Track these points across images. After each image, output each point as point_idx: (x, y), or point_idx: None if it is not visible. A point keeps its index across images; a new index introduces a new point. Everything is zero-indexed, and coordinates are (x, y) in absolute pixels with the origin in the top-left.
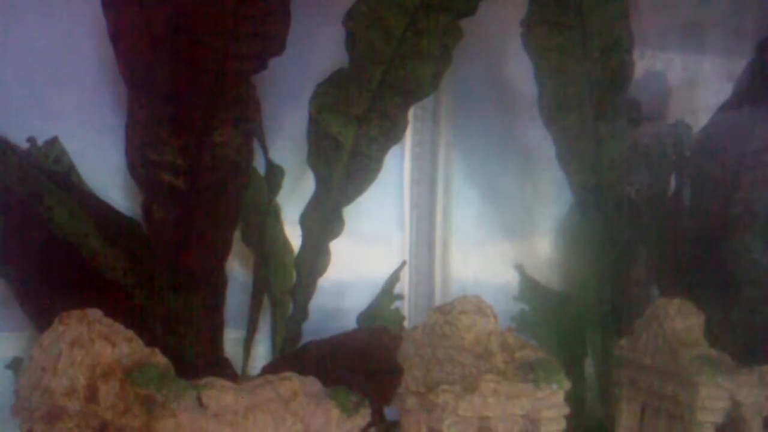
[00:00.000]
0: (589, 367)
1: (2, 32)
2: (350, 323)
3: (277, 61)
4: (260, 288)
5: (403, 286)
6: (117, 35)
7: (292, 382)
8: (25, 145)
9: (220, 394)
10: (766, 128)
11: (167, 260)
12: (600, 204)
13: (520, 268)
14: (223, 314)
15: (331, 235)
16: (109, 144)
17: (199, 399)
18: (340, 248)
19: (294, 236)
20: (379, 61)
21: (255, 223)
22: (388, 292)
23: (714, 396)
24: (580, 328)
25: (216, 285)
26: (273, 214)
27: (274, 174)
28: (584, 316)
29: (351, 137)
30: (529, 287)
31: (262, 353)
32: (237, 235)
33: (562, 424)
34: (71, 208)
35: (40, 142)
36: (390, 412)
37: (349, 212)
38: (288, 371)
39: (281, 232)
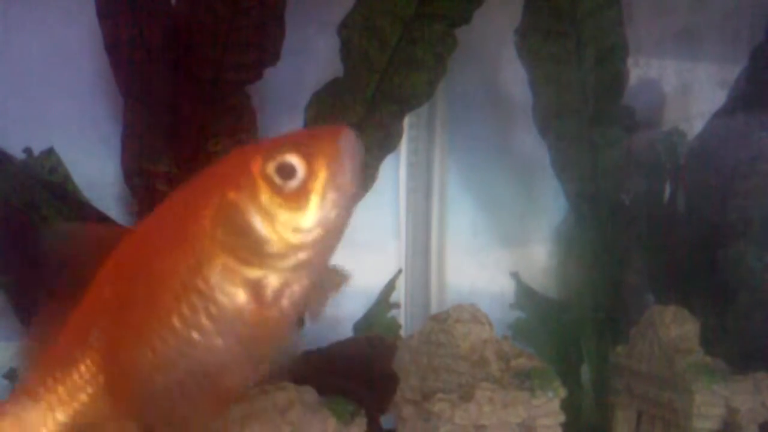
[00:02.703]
0: (585, 374)
1: None
2: (346, 332)
3: (272, 70)
4: None
5: (399, 294)
6: (113, 46)
7: (289, 392)
8: (21, 156)
9: None
10: (760, 135)
11: None
12: (595, 211)
13: (515, 276)
14: None
15: None
16: (105, 154)
17: None
18: (335, 257)
19: None
20: (374, 69)
21: None
22: (384, 300)
23: (709, 403)
24: (576, 335)
25: None
26: None
27: None
28: (580, 323)
29: None
30: (525, 295)
31: None
32: None
33: None
34: (67, 218)
35: (36, 152)
36: (386, 421)
37: None
38: (284, 381)
39: None
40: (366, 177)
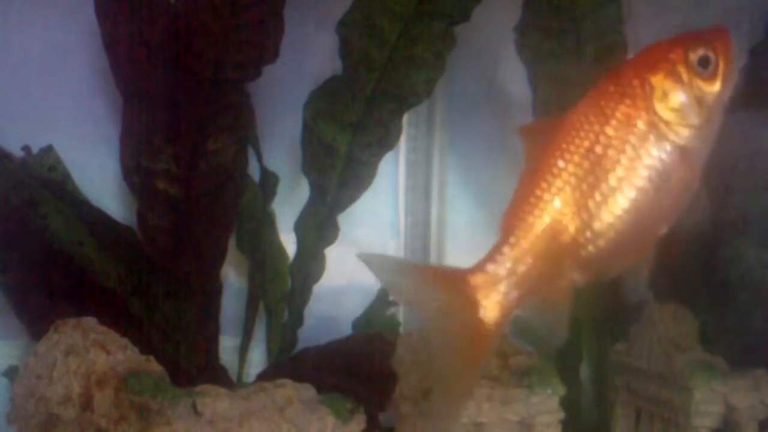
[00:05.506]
0: (584, 371)
1: None
2: (345, 330)
3: (271, 68)
4: (255, 295)
5: None
6: (112, 44)
7: (287, 389)
8: (20, 154)
9: (215, 401)
10: (759, 133)
11: (162, 268)
12: None
13: None
14: (218, 321)
15: (326, 241)
16: (104, 152)
17: (194, 406)
18: (334, 255)
19: (289, 243)
20: (372, 67)
21: (250, 230)
22: (383, 298)
23: (709, 400)
24: (576, 333)
25: (211, 292)
26: (268, 221)
27: (269, 181)
28: (579, 321)
29: (345, 144)
30: None
31: (257, 360)
32: (232, 242)
33: (558, 430)
34: (66, 216)
35: (35, 150)
36: (385, 419)
37: (344, 219)
38: (283, 378)
39: (276, 239)
40: (365, 175)
